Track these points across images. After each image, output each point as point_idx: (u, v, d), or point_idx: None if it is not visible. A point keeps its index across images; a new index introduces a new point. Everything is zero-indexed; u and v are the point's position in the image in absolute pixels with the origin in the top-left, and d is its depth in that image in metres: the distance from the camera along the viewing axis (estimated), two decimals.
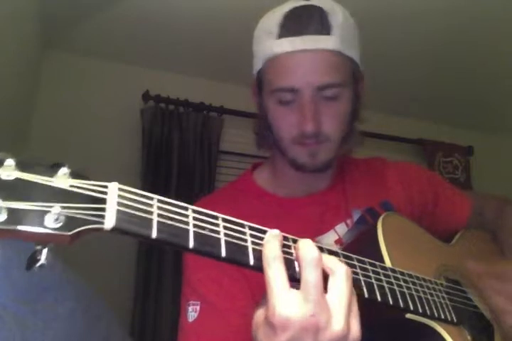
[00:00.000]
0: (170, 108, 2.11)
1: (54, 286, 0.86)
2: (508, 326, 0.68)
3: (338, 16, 0.71)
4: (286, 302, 0.39)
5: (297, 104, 0.71)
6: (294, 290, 0.40)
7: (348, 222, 0.79)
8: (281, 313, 0.38)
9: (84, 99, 2.04)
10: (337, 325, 0.40)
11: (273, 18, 0.73)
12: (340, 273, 0.43)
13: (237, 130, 2.17)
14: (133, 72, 2.15)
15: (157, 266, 1.87)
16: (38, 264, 0.31)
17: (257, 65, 0.76)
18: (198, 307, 0.67)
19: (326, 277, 0.43)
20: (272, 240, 0.43)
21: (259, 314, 0.42)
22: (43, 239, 0.32)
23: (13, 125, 1.62)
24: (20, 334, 0.75)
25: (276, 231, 0.44)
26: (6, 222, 0.30)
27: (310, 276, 0.40)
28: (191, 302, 0.68)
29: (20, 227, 0.30)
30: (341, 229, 0.78)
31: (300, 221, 0.76)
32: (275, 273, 0.40)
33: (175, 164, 2.02)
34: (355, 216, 0.80)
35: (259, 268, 0.42)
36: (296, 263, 0.44)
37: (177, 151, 2.04)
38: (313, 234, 0.75)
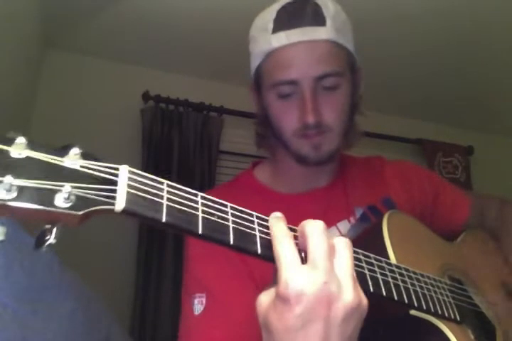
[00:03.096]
0: (170, 108, 2.11)
1: (54, 286, 0.85)
2: None
3: (329, 9, 0.73)
4: (298, 275, 0.39)
5: (297, 96, 0.72)
6: (304, 265, 0.40)
7: (351, 219, 0.79)
8: (294, 285, 0.38)
9: (84, 99, 2.04)
10: (348, 295, 0.40)
11: (267, 15, 0.74)
12: (341, 245, 0.43)
13: (237, 130, 2.17)
14: (133, 72, 2.15)
15: (157, 265, 1.87)
16: (47, 243, 0.31)
17: (255, 62, 0.77)
18: (204, 300, 0.67)
19: None
20: (277, 221, 0.44)
21: (265, 299, 0.42)
22: (53, 218, 0.31)
23: (13, 124, 1.62)
24: (20, 333, 0.74)
25: (278, 214, 0.45)
26: (15, 200, 0.29)
27: (317, 247, 0.41)
28: (197, 294, 0.68)
29: (29, 205, 0.30)
30: (343, 226, 0.78)
31: (302, 217, 0.75)
32: (286, 248, 0.40)
33: (175, 164, 2.01)
34: (358, 213, 0.80)
35: (266, 256, 0.42)
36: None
37: (177, 151, 2.04)
38: None
